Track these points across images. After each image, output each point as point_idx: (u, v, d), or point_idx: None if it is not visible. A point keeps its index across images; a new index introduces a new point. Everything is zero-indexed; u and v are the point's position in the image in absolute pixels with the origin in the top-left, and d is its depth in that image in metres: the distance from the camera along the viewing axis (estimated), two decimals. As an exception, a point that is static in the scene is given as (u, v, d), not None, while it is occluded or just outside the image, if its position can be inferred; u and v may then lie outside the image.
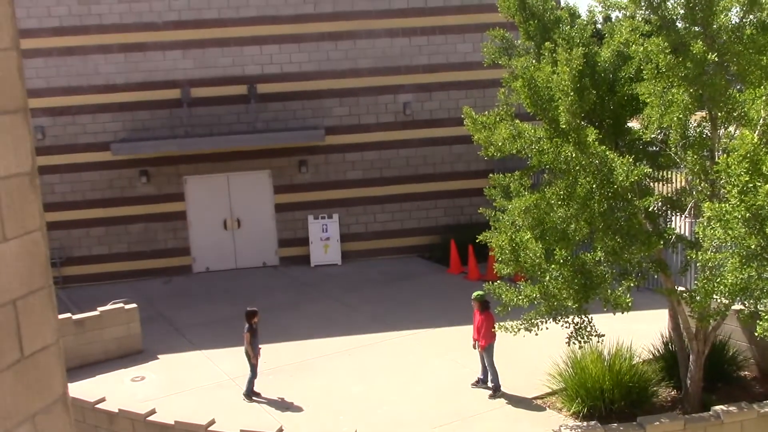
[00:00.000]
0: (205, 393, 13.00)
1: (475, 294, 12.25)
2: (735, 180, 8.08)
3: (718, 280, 8.96)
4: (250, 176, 20.47)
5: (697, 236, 9.27)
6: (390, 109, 20.42)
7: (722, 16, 9.70)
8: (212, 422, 9.98)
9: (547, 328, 10.27)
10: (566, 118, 9.41)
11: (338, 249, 20.60)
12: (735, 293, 8.90)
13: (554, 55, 10.03)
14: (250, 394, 12.63)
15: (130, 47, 19.33)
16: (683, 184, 11.69)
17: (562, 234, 9.83)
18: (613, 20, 12.43)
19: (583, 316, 10.19)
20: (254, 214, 20.69)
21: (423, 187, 20.86)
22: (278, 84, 19.90)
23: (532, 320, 10.20)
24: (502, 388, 12.24)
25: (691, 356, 10.80)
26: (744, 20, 9.77)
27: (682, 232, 13.20)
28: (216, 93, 19.73)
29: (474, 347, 12.53)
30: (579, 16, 11.80)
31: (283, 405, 12.38)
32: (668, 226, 11.23)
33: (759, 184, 8.01)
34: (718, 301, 9.76)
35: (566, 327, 10.31)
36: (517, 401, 12.00)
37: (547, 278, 9.80)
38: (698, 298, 9.39)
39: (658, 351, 12.41)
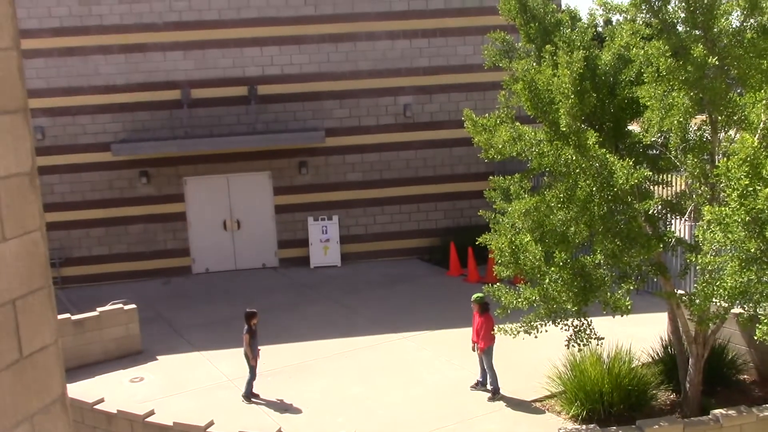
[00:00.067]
0: (203, 394, 13.00)
1: (474, 296, 12.25)
2: (735, 183, 8.08)
3: (717, 284, 8.96)
4: (250, 177, 20.47)
5: (696, 239, 9.27)
6: (390, 111, 20.43)
7: (723, 20, 9.70)
8: (211, 423, 9.97)
9: (546, 331, 10.26)
10: (566, 120, 9.41)
11: (338, 251, 20.59)
12: (734, 297, 8.90)
13: (555, 57, 10.03)
14: (249, 395, 12.62)
15: (130, 48, 19.34)
16: (683, 187, 11.69)
17: (562, 237, 9.83)
18: (613, 23, 12.44)
19: (582, 319, 10.19)
20: (254, 216, 20.69)
21: (423, 189, 20.86)
22: (278, 85, 19.90)
23: (532, 323, 10.19)
24: (501, 391, 12.23)
25: (690, 360, 10.79)
26: (744, 24, 9.77)
27: (682, 236, 13.19)
28: (216, 94, 19.73)
29: (473, 349, 12.52)
30: (580, 19, 11.81)
31: (282, 406, 12.37)
32: (668, 229, 11.23)
33: (759, 187, 8.01)
34: (718, 304, 9.76)
35: (565, 330, 10.30)
36: (516, 404, 11.99)
37: (547, 281, 9.80)
38: (698, 301, 9.38)
39: (658, 354, 12.41)
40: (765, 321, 8.53)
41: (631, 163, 9.34)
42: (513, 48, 11.85)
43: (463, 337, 13.57)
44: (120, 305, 15.02)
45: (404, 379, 13.19)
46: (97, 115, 19.52)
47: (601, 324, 10.69)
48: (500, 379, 12.26)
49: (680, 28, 10.12)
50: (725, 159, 8.58)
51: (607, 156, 9.41)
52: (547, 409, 11.76)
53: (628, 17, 10.49)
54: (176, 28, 19.37)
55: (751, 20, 9.73)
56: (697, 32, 9.87)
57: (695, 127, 10.43)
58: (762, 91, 9.30)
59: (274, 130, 19.93)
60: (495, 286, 10.45)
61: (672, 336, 11.52)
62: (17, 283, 3.14)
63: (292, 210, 20.60)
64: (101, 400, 10.83)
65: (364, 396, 12.61)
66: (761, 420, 9.55)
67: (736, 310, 10.32)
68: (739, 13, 9.77)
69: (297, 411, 12.19)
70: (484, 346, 12.16)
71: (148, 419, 10.26)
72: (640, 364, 11.94)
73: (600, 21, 12.43)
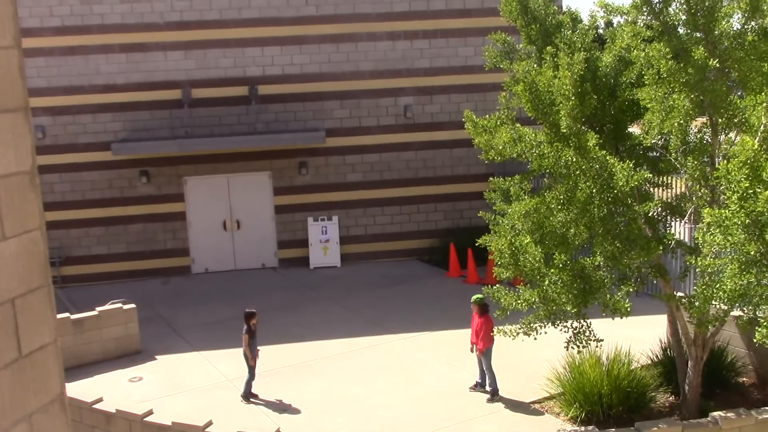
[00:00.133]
0: (202, 394, 12.99)
1: (474, 297, 12.25)
2: (735, 186, 8.09)
3: (717, 286, 8.96)
4: (250, 177, 20.47)
5: (696, 242, 9.27)
6: (391, 112, 20.42)
7: (724, 23, 9.71)
8: (209, 423, 9.97)
9: (545, 333, 10.27)
10: (567, 122, 9.42)
11: (338, 251, 20.59)
12: (734, 299, 8.90)
13: (556, 59, 10.03)
14: (248, 395, 12.61)
15: (131, 47, 19.34)
16: (683, 189, 11.70)
17: (562, 238, 9.83)
18: (614, 25, 12.44)
19: (581, 321, 10.19)
20: (254, 216, 20.68)
21: (423, 190, 20.86)
22: (279, 85, 19.90)
23: (531, 324, 10.20)
24: (500, 392, 12.23)
25: (689, 362, 10.79)
26: (745, 27, 9.77)
27: (682, 238, 13.19)
28: (217, 94, 19.73)
29: (471, 350, 12.52)
30: (581, 21, 11.82)
31: (281, 407, 12.37)
32: (668, 231, 11.23)
33: (759, 190, 8.01)
34: (717, 307, 9.76)
35: (565, 331, 10.31)
36: (515, 405, 11.99)
37: (547, 282, 9.80)
38: (697, 303, 9.38)
39: (657, 356, 12.41)
40: (764, 324, 8.53)
41: (631, 165, 9.34)
42: (514, 49, 11.86)
43: (462, 338, 13.57)
44: (119, 305, 15.01)
45: (403, 379, 13.19)
46: (97, 115, 19.52)
47: (600, 326, 10.70)
48: (499, 381, 12.26)
49: (681, 31, 10.13)
50: (725, 161, 8.58)
51: (608, 158, 9.41)
52: (546, 411, 11.76)
53: (629, 19, 10.50)
54: (177, 27, 19.37)
55: (752, 23, 9.74)
56: (698, 35, 9.88)
57: (696, 130, 10.44)
58: (762, 93, 9.31)
59: (275, 131, 19.93)
60: (494, 287, 10.46)
61: (671, 338, 11.52)
62: (16, 282, 3.14)
63: (292, 210, 20.60)
64: (100, 400, 10.83)
65: (364, 396, 12.60)
66: (760, 423, 9.54)
67: (736, 312, 10.33)
68: (740, 15, 9.78)
69: (296, 411, 12.19)
70: (483, 347, 12.16)
71: (146, 419, 10.26)
72: (639, 366, 11.94)
73: (601, 23, 12.43)
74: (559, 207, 9.79)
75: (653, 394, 11.44)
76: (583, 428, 10.19)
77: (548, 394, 11.94)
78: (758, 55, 9.60)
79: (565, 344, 10.35)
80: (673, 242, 10.35)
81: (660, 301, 11.38)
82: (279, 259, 20.81)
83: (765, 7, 9.62)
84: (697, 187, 10.23)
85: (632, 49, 10.34)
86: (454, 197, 20.88)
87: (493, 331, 11.75)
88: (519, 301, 10.07)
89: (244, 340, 12.52)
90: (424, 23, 20.08)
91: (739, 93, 10.37)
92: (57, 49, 19.09)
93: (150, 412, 10.39)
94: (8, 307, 3.09)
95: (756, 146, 8.10)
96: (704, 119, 10.30)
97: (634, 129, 11.58)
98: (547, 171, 10.27)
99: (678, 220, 11.79)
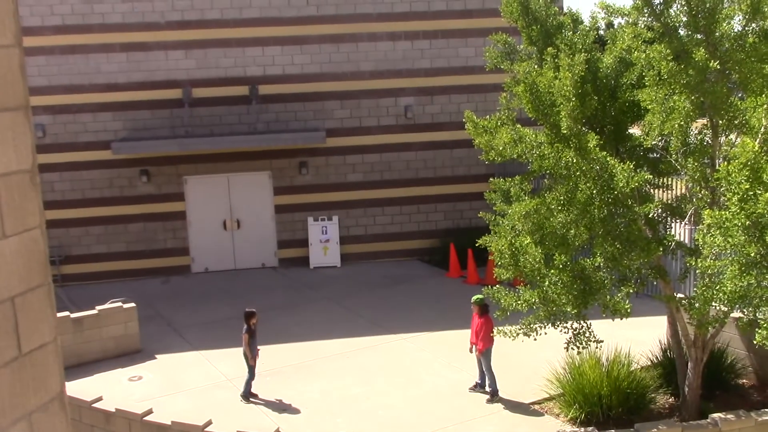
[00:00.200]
0: (202, 393, 12.99)
1: (474, 297, 12.25)
2: (735, 188, 8.09)
3: (717, 288, 8.96)
4: (250, 177, 20.47)
5: (696, 243, 9.27)
6: (391, 112, 20.43)
7: (725, 24, 9.71)
8: (209, 423, 9.96)
9: (545, 334, 10.27)
10: (567, 123, 9.42)
11: (338, 251, 20.59)
12: (734, 301, 8.89)
13: (556, 60, 10.03)
14: (248, 395, 12.61)
15: (132, 47, 19.34)
16: (683, 191, 11.70)
17: (562, 239, 9.83)
18: (615, 27, 12.44)
19: (581, 322, 10.19)
20: (254, 215, 20.68)
21: (423, 190, 20.86)
22: (280, 85, 19.90)
23: (531, 325, 10.20)
24: (500, 393, 12.23)
25: (689, 363, 10.79)
26: (746, 29, 9.77)
27: (682, 239, 13.19)
28: (217, 93, 19.73)
29: (471, 351, 12.52)
30: (581, 22, 11.82)
31: (280, 406, 12.37)
32: (668, 232, 11.23)
33: (759, 192, 8.01)
34: (717, 308, 9.76)
35: (565, 332, 10.31)
36: (514, 406, 11.99)
37: (547, 283, 9.80)
38: (697, 305, 9.38)
39: (657, 358, 12.41)
40: (764, 325, 8.53)
41: (631, 166, 9.34)
42: (515, 50, 11.85)
43: (462, 338, 13.56)
44: (119, 304, 15.01)
45: (403, 380, 13.18)
46: (98, 114, 19.52)
47: (600, 327, 10.69)
48: (499, 381, 12.26)
49: (682, 32, 10.13)
50: (726, 163, 8.58)
51: (608, 159, 9.41)
52: (546, 412, 11.76)
53: (630, 20, 10.50)
54: (178, 27, 19.38)
55: (753, 25, 9.74)
56: (699, 36, 9.88)
57: (696, 131, 10.44)
58: (763, 95, 9.31)
59: (275, 130, 19.93)
60: (494, 287, 10.46)
61: (671, 339, 11.51)
62: (16, 281, 3.14)
63: (292, 210, 20.60)
64: (99, 399, 10.83)
65: (364, 396, 12.60)
66: (760, 424, 9.54)
67: (736, 314, 10.32)
68: (740, 17, 9.78)
69: (296, 411, 12.19)
70: (483, 348, 12.16)
71: (146, 418, 10.26)
72: (639, 367, 11.94)
73: (602, 24, 12.43)
74: (560, 208, 9.79)
75: (653, 395, 11.44)
76: (582, 429, 10.19)
77: (548, 395, 11.94)
78: (759, 56, 9.60)
79: (565, 345, 10.35)
80: (673, 243, 10.35)
81: (660, 303, 11.38)
82: (279, 259, 20.82)
83: (766, 9, 9.61)
84: (698, 188, 10.22)
85: (633, 50, 10.34)
86: (454, 198, 20.89)
87: (493, 332, 11.76)
88: (519, 302, 10.07)
89: (244, 340, 12.52)
90: (425, 24, 20.08)
91: (739, 95, 10.37)
92: (58, 47, 19.09)
93: (149, 412, 10.39)
94: (8, 306, 3.09)
95: (756, 148, 8.10)
96: (705, 121, 10.30)
97: (635, 130, 11.58)
98: (548, 172, 10.27)
99: (678, 221, 11.78)
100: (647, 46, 10.02)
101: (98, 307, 14.84)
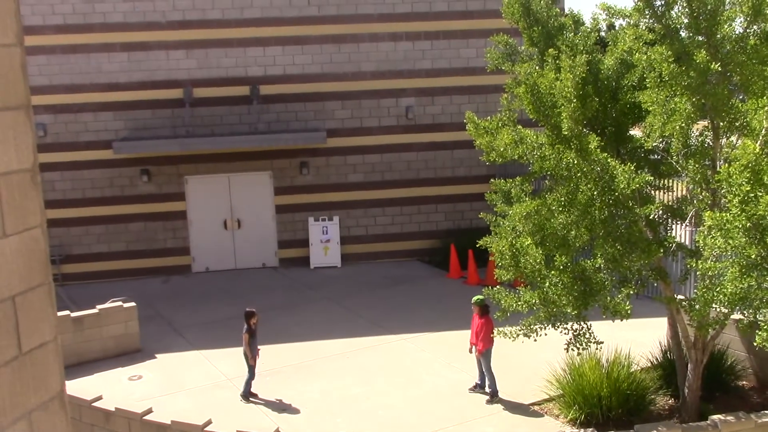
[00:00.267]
0: (202, 393, 12.99)
1: (475, 298, 12.25)
2: (736, 189, 8.08)
3: (717, 289, 8.96)
4: (251, 177, 20.48)
5: (697, 245, 9.26)
6: (392, 113, 20.43)
7: (726, 26, 9.70)
8: (209, 422, 9.96)
9: (545, 335, 10.26)
10: (568, 124, 9.42)
11: (338, 251, 20.60)
12: (734, 302, 8.89)
13: (557, 61, 10.03)
14: (248, 395, 12.62)
15: (133, 46, 19.36)
16: (684, 192, 11.69)
17: (563, 240, 9.83)
18: (617, 28, 12.44)
19: (582, 323, 10.19)
20: (255, 215, 20.69)
21: (424, 191, 20.87)
22: (281, 85, 19.91)
23: (531, 326, 10.20)
24: (500, 394, 12.22)
25: (689, 365, 10.79)
26: (748, 30, 9.77)
27: (683, 241, 13.19)
28: (218, 93, 19.74)
29: (471, 351, 12.52)
30: (583, 24, 11.82)
31: (280, 406, 12.37)
32: (669, 234, 11.23)
33: (760, 194, 8.01)
34: (718, 310, 9.75)
35: (565, 333, 10.30)
36: (514, 407, 11.99)
37: (547, 284, 9.80)
38: (697, 306, 9.38)
39: (657, 359, 12.41)
40: (765, 327, 8.52)
41: (632, 167, 9.34)
42: (516, 51, 11.86)
43: (462, 339, 13.56)
44: (119, 303, 15.02)
45: (403, 380, 13.18)
46: (99, 113, 19.53)
47: (600, 328, 10.69)
48: (499, 382, 12.26)
49: (683, 34, 10.12)
50: (727, 165, 8.58)
51: (609, 160, 9.41)
52: (546, 413, 11.76)
53: (631, 22, 10.50)
54: (179, 27, 19.39)
55: (755, 27, 9.73)
56: (700, 38, 9.87)
57: (697, 133, 10.44)
58: (764, 97, 9.31)
59: (276, 130, 19.94)
60: (495, 288, 10.45)
61: (671, 341, 11.51)
62: (17, 280, 3.14)
63: (293, 210, 20.61)
64: (99, 398, 10.83)
65: (364, 397, 12.60)
66: (759, 426, 9.54)
67: (736, 316, 10.32)
68: (742, 19, 9.78)
69: (296, 411, 12.19)
70: (483, 348, 12.16)
71: (146, 417, 10.26)
72: (639, 368, 11.94)
73: (603, 25, 12.42)
74: (560, 209, 9.79)
75: (653, 396, 11.44)
76: (582, 430, 10.19)
77: (548, 396, 11.94)
78: (760, 58, 9.59)
79: (565, 346, 10.35)
80: (674, 245, 10.35)
81: (660, 304, 11.37)
82: (279, 259, 20.82)
83: (767, 11, 9.61)
84: (698, 190, 10.22)
85: (634, 52, 10.34)
86: (455, 198, 20.89)
87: (493, 333, 11.76)
88: (519, 303, 10.07)
89: (244, 340, 12.52)
90: (426, 24, 20.09)
91: (740, 97, 10.37)
92: (59, 47, 19.10)
93: (149, 411, 10.39)
94: (9, 305, 3.09)
95: (757, 150, 8.10)
96: (706, 122, 10.29)
97: (636, 132, 11.58)
98: (548, 173, 10.26)
99: (679, 223, 11.78)
100: (648, 48, 10.02)
101: (98, 307, 14.85)
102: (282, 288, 18.93)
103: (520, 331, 10.26)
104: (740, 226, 8.10)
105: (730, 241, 8.26)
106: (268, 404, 12.46)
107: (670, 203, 11.33)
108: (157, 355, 14.73)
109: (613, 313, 9.65)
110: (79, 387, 11.68)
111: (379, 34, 20.03)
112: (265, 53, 19.77)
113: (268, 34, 19.68)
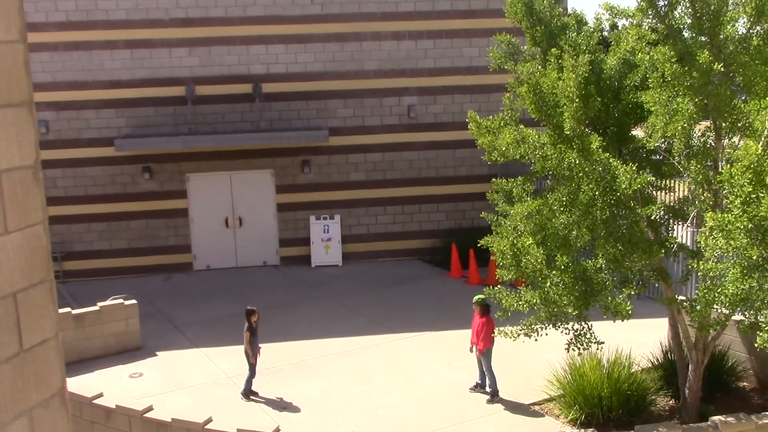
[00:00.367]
0: (202, 391, 13.00)
1: (476, 297, 12.25)
2: (738, 190, 8.08)
3: (718, 290, 8.95)
4: (252, 175, 20.48)
5: (698, 246, 9.26)
6: (394, 112, 20.43)
7: (729, 27, 9.69)
8: (209, 420, 9.98)
9: (546, 334, 10.26)
10: (571, 124, 9.41)
11: (339, 250, 20.60)
12: (735, 303, 8.89)
13: (560, 61, 10.03)
14: (248, 393, 12.62)
15: (136, 44, 19.36)
16: (686, 193, 11.69)
17: (564, 240, 9.83)
18: (619, 28, 12.43)
19: (582, 323, 10.18)
20: (256, 213, 20.69)
21: (425, 190, 20.86)
22: (283, 84, 19.91)
23: (532, 326, 10.20)
24: (500, 393, 12.22)
25: (690, 366, 10.79)
26: (751, 31, 9.76)
27: (684, 242, 13.18)
28: (221, 91, 19.74)
29: (471, 350, 12.52)
30: (586, 24, 11.81)
31: (281, 405, 12.37)
32: (670, 235, 11.22)
33: (762, 195, 8.00)
34: (719, 311, 9.75)
35: (566, 333, 10.30)
36: (514, 407, 11.99)
37: (548, 284, 9.80)
38: (698, 307, 9.37)
39: (657, 360, 12.40)
40: (766, 328, 8.52)
41: (634, 168, 9.33)
42: (518, 51, 11.86)
43: (463, 338, 13.56)
44: (120, 300, 15.03)
45: (404, 379, 13.19)
46: (101, 110, 19.54)
47: (601, 328, 10.69)
48: (499, 382, 12.26)
49: (686, 34, 10.11)
50: (729, 166, 8.57)
51: (611, 160, 9.41)
52: (546, 413, 11.76)
53: (634, 22, 10.49)
54: (182, 24, 19.38)
55: (758, 27, 9.72)
56: (703, 38, 9.86)
57: (699, 134, 10.43)
58: (767, 98, 9.29)
59: (278, 129, 19.94)
60: (496, 288, 10.45)
61: (672, 342, 11.51)
62: (18, 276, 3.14)
63: (294, 208, 20.61)
64: (100, 395, 10.84)
65: (364, 396, 12.61)
66: (760, 428, 9.53)
67: (737, 317, 10.32)
68: (745, 20, 9.76)
69: (296, 409, 12.20)
70: (484, 348, 12.16)
71: (146, 415, 10.27)
72: (639, 369, 11.94)
73: (606, 25, 12.42)
74: (562, 209, 9.78)
75: (653, 397, 11.43)
76: (582, 431, 10.19)
77: (548, 396, 11.94)
78: (763, 59, 9.58)
79: (566, 346, 10.34)
80: (675, 246, 10.35)
81: (661, 305, 11.37)
82: (281, 257, 20.83)
83: (771, 12, 9.60)
84: (700, 190, 10.21)
85: (637, 52, 10.33)
86: (456, 198, 20.89)
87: (494, 332, 11.76)
88: (520, 303, 10.07)
89: (245, 338, 12.52)
90: (429, 23, 20.08)
91: (743, 97, 10.36)
92: (62, 44, 19.11)
93: (150, 408, 10.40)
94: (10, 301, 3.09)
95: (759, 151, 8.09)
96: (708, 123, 10.28)
97: (638, 132, 11.57)
98: (550, 173, 10.26)
99: (680, 223, 11.77)
100: (651, 48, 10.01)
101: (99, 304, 14.85)
102: (283, 286, 18.93)
103: (520, 330, 10.26)
104: (742, 227, 8.09)
105: (732, 242, 8.26)
106: (269, 402, 12.47)
107: (671, 204, 11.32)
108: (157, 353, 14.74)
109: (614, 313, 9.65)
110: (80, 384, 11.70)
111: (381, 33, 20.03)
112: (268, 51, 19.76)
113: (270, 32, 19.67)
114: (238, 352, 13.27)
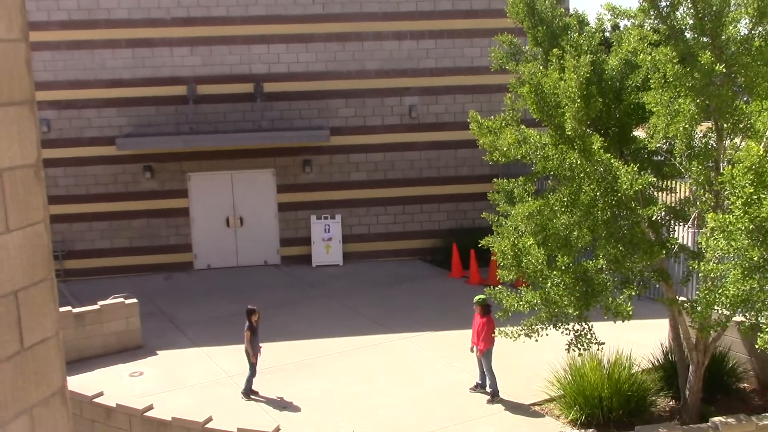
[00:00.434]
0: (203, 390, 13.00)
1: (477, 297, 12.25)
2: (739, 191, 8.07)
3: (719, 291, 8.95)
4: (253, 174, 20.48)
5: (699, 247, 9.25)
6: (396, 112, 20.43)
7: (731, 28, 9.69)
8: (209, 420, 9.98)
9: (547, 335, 10.26)
10: (572, 124, 9.41)
11: (340, 250, 20.60)
12: (736, 305, 8.88)
13: (562, 61, 10.02)
14: (249, 392, 12.63)
15: (137, 43, 19.37)
16: (687, 194, 11.68)
17: (565, 241, 9.82)
18: (621, 29, 12.43)
19: (583, 324, 10.18)
20: (257, 213, 20.70)
21: (427, 190, 20.86)
22: (285, 83, 19.91)
23: (533, 326, 10.19)
24: (501, 394, 12.22)
25: (690, 367, 10.78)
26: (753, 32, 9.75)
27: (685, 242, 13.18)
28: (222, 90, 19.75)
29: (471, 350, 12.52)
30: (587, 24, 11.81)
31: (281, 404, 12.38)
32: (671, 235, 11.22)
33: (763, 196, 8.00)
34: (719, 312, 9.74)
35: (566, 334, 10.30)
36: (515, 407, 11.98)
37: (549, 284, 9.79)
38: (699, 308, 9.37)
39: (658, 360, 12.40)
40: (766, 329, 8.51)
41: (635, 168, 9.33)
42: (520, 51, 11.85)
43: (463, 338, 13.56)
44: (121, 299, 15.03)
45: (404, 379, 13.19)
46: (102, 109, 19.56)
47: (601, 329, 10.68)
48: (500, 382, 12.26)
49: (688, 35, 10.11)
50: (730, 167, 8.56)
51: (612, 161, 9.40)
52: (546, 413, 11.75)
53: (636, 23, 10.48)
54: (184, 23, 19.39)
55: (759, 28, 9.72)
56: (705, 39, 9.86)
57: (701, 134, 10.42)
58: (768, 99, 9.29)
59: (279, 128, 19.94)
60: (497, 288, 10.45)
61: (673, 343, 11.50)
62: (20, 275, 3.14)
63: (295, 208, 20.61)
64: (100, 394, 10.84)
65: (364, 395, 12.61)
66: (760, 429, 9.53)
67: (738, 318, 10.31)
68: (747, 20, 9.76)
69: (296, 409, 12.20)
70: (484, 348, 12.16)
71: (146, 414, 10.27)
72: (640, 369, 11.93)
73: (608, 26, 12.43)
74: (563, 209, 9.78)
75: (654, 398, 11.43)
76: (583, 431, 10.19)
77: (548, 397, 11.93)
78: (765, 60, 9.58)
79: (566, 347, 10.34)
80: (676, 247, 10.34)
81: (662, 305, 11.36)
82: (281, 257, 20.83)
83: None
84: (702, 191, 10.21)
85: (639, 52, 10.33)
86: (457, 198, 20.88)
87: (494, 333, 11.76)
88: (521, 303, 10.07)
89: (246, 337, 12.53)
90: (431, 23, 20.07)
91: (744, 98, 10.35)
92: (63, 43, 19.12)
93: (150, 407, 10.41)
94: (11, 300, 3.09)
95: (761, 152, 8.09)
96: (709, 124, 10.28)
97: (639, 133, 11.56)
98: (552, 173, 10.26)
99: (681, 224, 11.77)
100: (653, 49, 10.00)
101: (100, 303, 14.86)
102: (283, 286, 18.93)
103: (521, 331, 10.26)
104: (743, 228, 8.09)
105: (733, 243, 8.25)
106: (269, 402, 12.47)
107: (672, 205, 11.32)
108: (158, 352, 14.75)
109: (615, 314, 9.65)
110: (81, 383, 11.70)
111: (383, 33, 20.03)
112: (269, 51, 19.77)
113: (272, 31, 19.68)
114: (238, 351, 13.27)
